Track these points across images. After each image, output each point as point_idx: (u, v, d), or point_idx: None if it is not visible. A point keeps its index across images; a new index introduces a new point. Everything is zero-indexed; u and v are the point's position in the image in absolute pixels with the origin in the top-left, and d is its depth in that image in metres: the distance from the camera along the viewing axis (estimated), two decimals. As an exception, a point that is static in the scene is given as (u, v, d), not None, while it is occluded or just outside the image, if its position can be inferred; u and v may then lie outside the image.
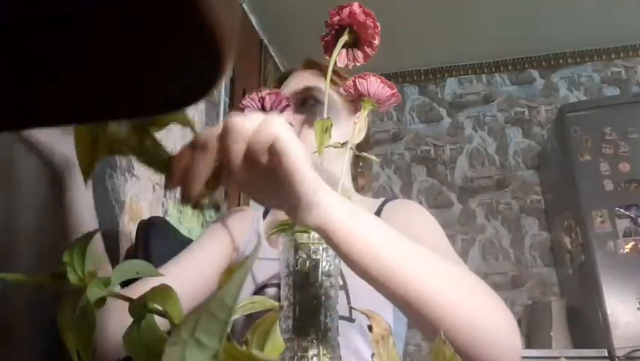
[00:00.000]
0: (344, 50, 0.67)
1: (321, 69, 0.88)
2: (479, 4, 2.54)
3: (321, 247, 0.55)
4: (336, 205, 0.46)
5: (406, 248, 0.50)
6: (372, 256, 0.48)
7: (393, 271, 0.48)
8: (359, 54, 0.66)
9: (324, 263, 0.55)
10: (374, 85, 0.63)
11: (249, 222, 0.89)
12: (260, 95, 0.67)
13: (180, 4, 0.16)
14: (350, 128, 0.85)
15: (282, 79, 0.94)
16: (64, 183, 0.68)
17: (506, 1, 2.52)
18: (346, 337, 0.69)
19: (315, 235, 0.55)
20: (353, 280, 0.76)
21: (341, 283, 0.75)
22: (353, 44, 0.66)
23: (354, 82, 0.65)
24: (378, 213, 0.86)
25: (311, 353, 0.51)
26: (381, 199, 0.90)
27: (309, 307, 0.54)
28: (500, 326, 0.53)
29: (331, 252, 0.56)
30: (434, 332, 0.46)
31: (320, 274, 0.55)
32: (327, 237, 0.47)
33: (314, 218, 0.45)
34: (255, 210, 0.94)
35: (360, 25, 0.63)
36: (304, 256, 0.55)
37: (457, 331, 0.50)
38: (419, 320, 0.51)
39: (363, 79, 0.64)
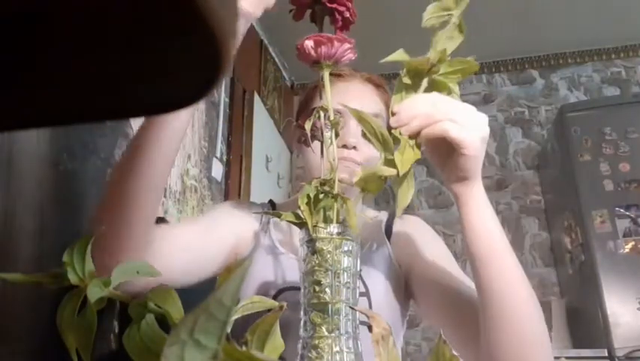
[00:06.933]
0: (326, 24, 0.64)
1: (384, 89, 0.90)
2: (479, 4, 2.54)
3: (340, 245, 0.54)
4: (483, 195, 0.66)
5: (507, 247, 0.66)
6: (486, 238, 0.67)
7: (496, 254, 0.66)
8: (339, 18, 0.63)
9: (344, 261, 0.54)
10: (333, 47, 0.61)
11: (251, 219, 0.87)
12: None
13: (180, 5, 0.16)
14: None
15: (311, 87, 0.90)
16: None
17: (506, 1, 2.52)
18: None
19: (334, 230, 0.54)
20: (374, 287, 0.76)
21: (363, 289, 0.75)
22: (330, 13, 0.63)
23: (303, 47, 0.60)
24: (389, 227, 0.86)
25: (327, 350, 0.51)
26: (384, 212, 0.91)
27: (326, 305, 0.53)
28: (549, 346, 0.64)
29: (347, 248, 0.55)
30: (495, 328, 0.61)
31: (340, 272, 0.54)
32: (465, 207, 0.66)
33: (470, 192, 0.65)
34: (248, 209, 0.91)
35: None
36: (323, 254, 0.54)
37: (530, 344, 0.61)
38: (495, 309, 0.63)
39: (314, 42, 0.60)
